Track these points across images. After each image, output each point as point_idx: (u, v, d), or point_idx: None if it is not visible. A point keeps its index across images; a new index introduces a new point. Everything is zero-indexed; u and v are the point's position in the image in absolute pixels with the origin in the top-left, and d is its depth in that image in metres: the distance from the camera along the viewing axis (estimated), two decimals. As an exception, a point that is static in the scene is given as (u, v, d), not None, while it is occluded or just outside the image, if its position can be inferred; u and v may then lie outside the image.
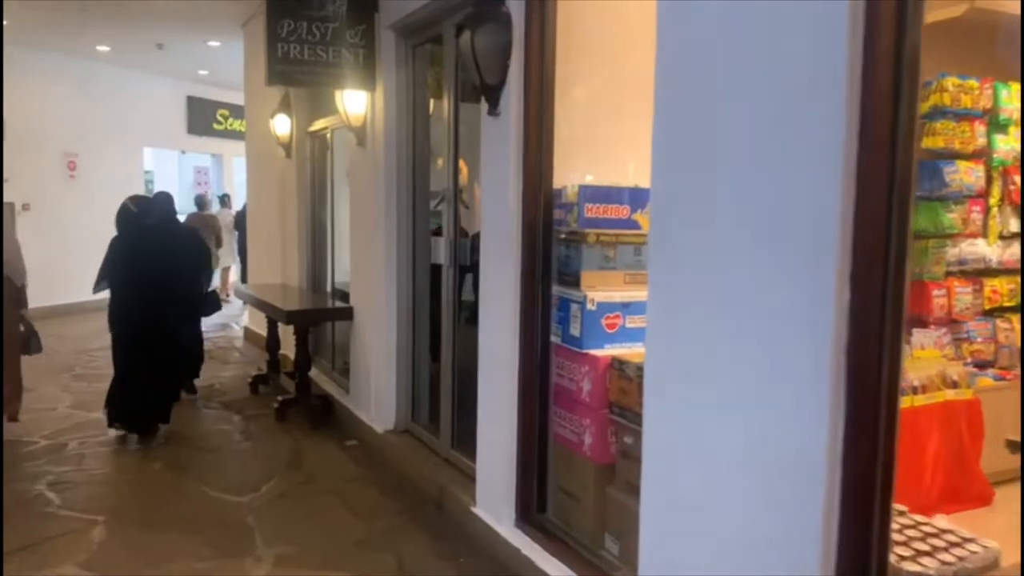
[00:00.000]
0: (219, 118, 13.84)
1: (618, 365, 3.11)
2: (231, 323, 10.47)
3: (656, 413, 2.49)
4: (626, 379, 3.07)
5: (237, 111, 13.98)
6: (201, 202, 12.07)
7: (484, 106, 3.49)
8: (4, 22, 9.00)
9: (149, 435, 5.27)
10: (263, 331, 8.58)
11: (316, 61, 4.79)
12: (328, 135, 6.66)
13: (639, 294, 3.26)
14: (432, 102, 4.95)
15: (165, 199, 5.96)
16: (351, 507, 4.16)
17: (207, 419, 5.93)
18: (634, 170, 3.54)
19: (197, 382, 6.66)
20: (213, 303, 6.31)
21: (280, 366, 6.84)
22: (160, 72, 12.20)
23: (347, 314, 5.61)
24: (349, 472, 4.74)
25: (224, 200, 13.11)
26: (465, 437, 4.33)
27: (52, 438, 5.32)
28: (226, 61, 10.96)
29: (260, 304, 6.44)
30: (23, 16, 8.88)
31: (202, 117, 13.49)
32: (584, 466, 3.29)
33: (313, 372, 6.10)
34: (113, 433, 5.37)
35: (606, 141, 3.60)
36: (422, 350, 5.01)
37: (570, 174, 3.42)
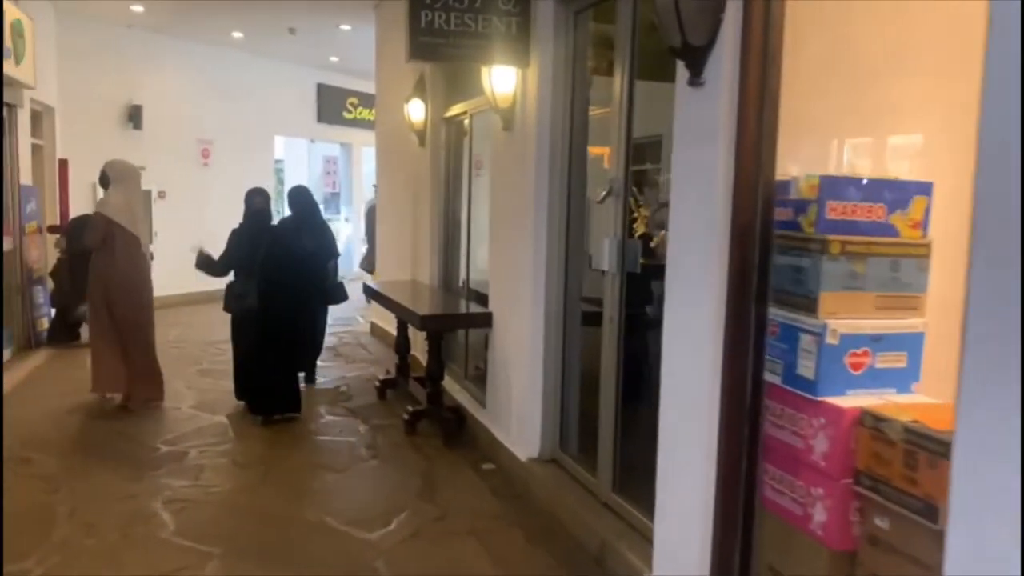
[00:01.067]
0: (348, 106, 13.67)
1: (872, 421, 2.29)
2: (357, 316, 10.17)
3: (976, 508, 1.67)
4: (884, 442, 2.25)
5: (366, 99, 13.78)
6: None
7: (682, 75, 2.73)
8: (139, 8, 8.98)
9: (271, 419, 5.44)
10: (390, 328, 8.19)
11: (463, 32, 4.16)
12: (466, 120, 6.07)
13: (895, 323, 2.45)
14: (593, 80, 4.23)
15: (303, 191, 6.50)
16: (495, 556, 3.52)
17: (333, 428, 5.47)
18: (873, 154, 2.71)
19: (324, 381, 6.28)
20: (341, 292, 6.74)
21: (409, 369, 6.33)
22: (291, 59, 12.08)
23: (485, 320, 4.99)
24: (488, 506, 4.11)
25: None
26: (631, 479, 3.61)
27: (173, 444, 4.99)
28: (357, 46, 10.64)
29: (390, 304, 5.93)
30: (161, 4, 8.81)
31: (332, 105, 13.33)
32: (811, 548, 2.49)
33: (444, 380, 5.54)
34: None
35: (837, 116, 2.77)
36: (574, 368, 4.32)
37: (791, 161, 2.62)
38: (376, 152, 9.03)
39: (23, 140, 7.64)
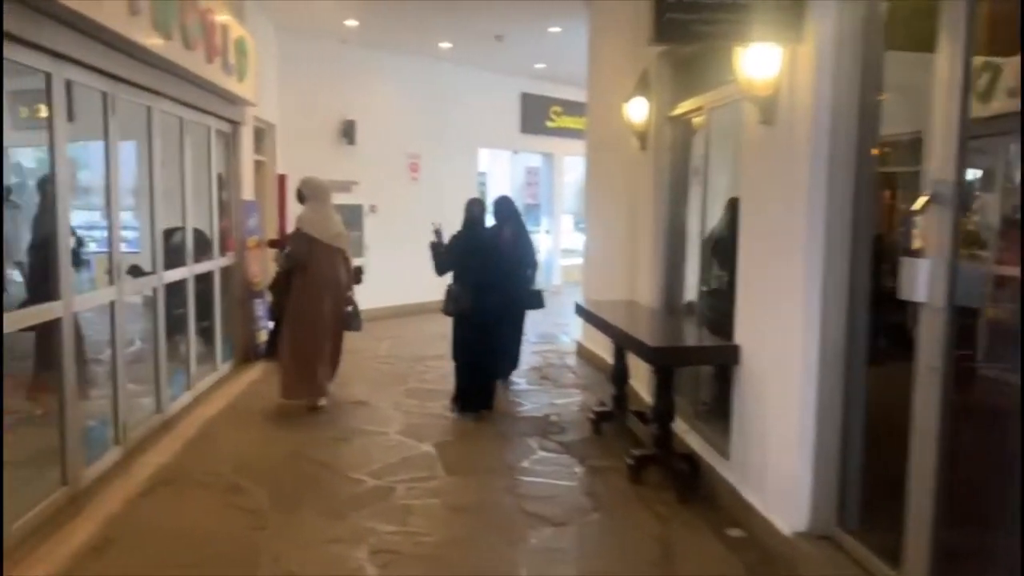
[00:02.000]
0: (552, 115, 13.27)
1: None
2: (559, 334, 9.62)
3: None
4: None
5: (570, 107, 13.33)
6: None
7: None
8: (354, 23, 9.01)
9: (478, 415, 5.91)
10: (598, 349, 7.54)
11: (717, 4, 3.41)
12: (697, 118, 5.28)
13: None
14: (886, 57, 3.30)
15: (508, 201, 6.94)
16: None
17: (546, 467, 4.87)
18: None
19: (532, 407, 5.74)
20: (537, 299, 7.08)
21: (627, 401, 5.62)
22: (496, 68, 11.85)
23: (730, 355, 4.16)
24: (745, 593, 3.30)
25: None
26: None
27: (379, 477, 4.61)
28: (565, 49, 10.16)
29: (608, 328, 5.25)
30: (372, 17, 8.80)
31: (535, 115, 12.99)
32: None
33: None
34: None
35: None
36: (857, 420, 3.40)
37: None
38: (586, 159, 8.44)
39: (246, 157, 7.84)
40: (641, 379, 5.83)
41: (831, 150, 3.35)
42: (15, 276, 5.49)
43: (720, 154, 5.01)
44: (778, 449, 3.67)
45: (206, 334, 6.93)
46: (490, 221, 6.67)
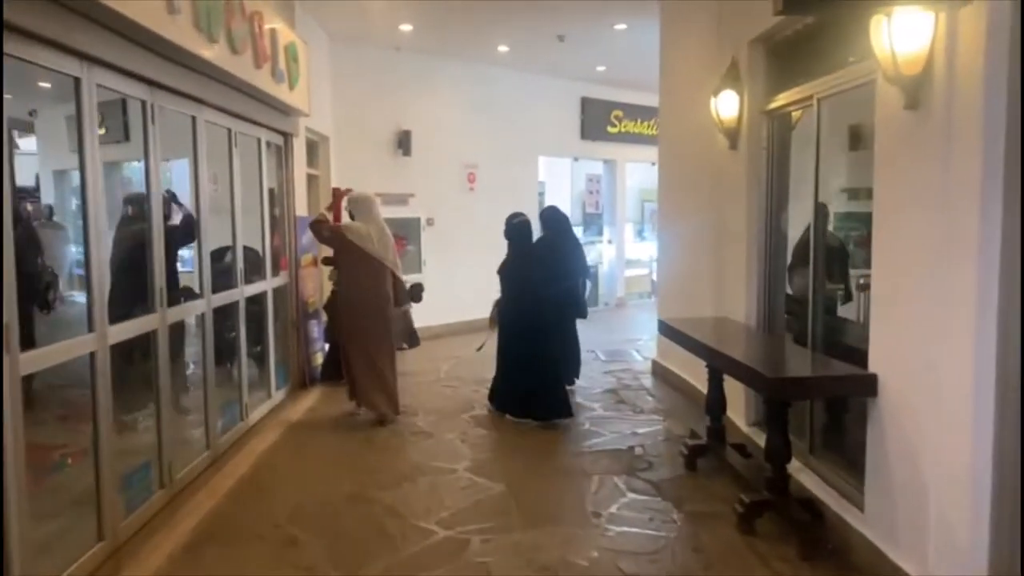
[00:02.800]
0: (613, 120, 12.66)
1: None
2: (631, 350, 8.98)
3: None
4: None
5: (631, 111, 12.72)
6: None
7: None
8: (408, 27, 8.58)
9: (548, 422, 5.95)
10: (679, 370, 6.89)
11: (858, -37, 2.79)
12: (798, 112, 4.65)
13: None
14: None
15: (553, 212, 7.19)
16: None
17: (638, 511, 4.25)
18: None
19: (613, 437, 5.13)
20: (584, 308, 7.14)
21: (724, 433, 4.97)
22: (556, 72, 11.31)
23: (864, 386, 3.50)
24: None
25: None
26: None
27: (450, 526, 4.06)
28: (628, 49, 9.59)
29: (704, 352, 4.62)
30: (427, 20, 8.35)
31: (596, 120, 12.39)
32: None
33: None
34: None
35: None
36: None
37: None
38: (659, 163, 7.81)
39: (299, 170, 7.43)
40: (736, 407, 5.18)
41: (1009, 139, 2.70)
42: (74, 296, 5.19)
43: (831, 150, 4.35)
44: (940, 499, 3.00)
45: (259, 359, 6.52)
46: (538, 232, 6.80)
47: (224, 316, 5.70)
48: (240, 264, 5.77)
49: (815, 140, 4.32)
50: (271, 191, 7.11)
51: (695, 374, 6.36)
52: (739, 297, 5.35)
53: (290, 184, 7.19)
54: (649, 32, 8.00)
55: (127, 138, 5.35)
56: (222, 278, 5.62)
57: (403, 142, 9.73)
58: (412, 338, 6.85)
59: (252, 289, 6.04)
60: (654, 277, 10.85)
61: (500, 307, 6.30)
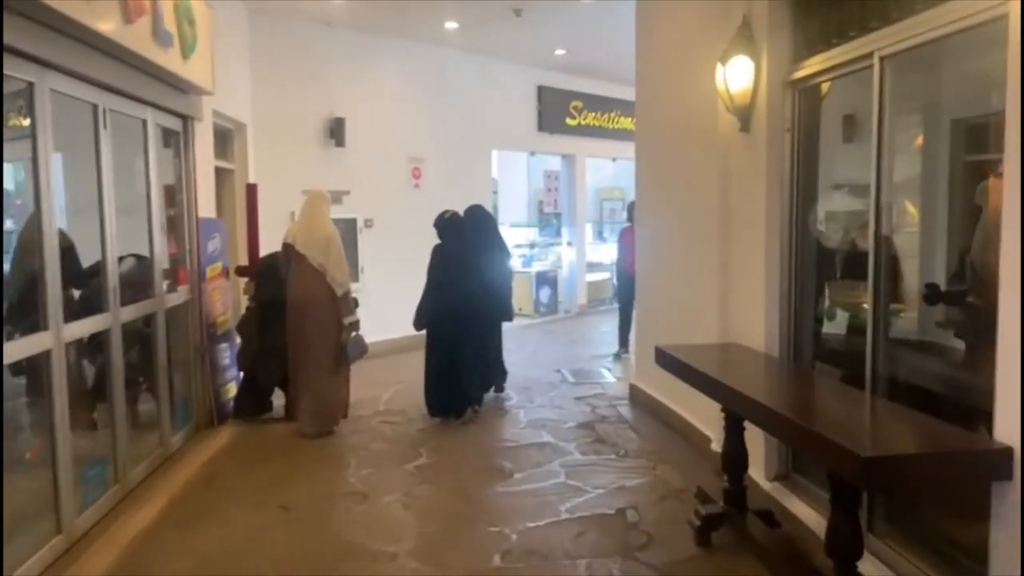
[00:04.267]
0: (572, 111, 11.55)
1: None
2: (598, 369, 7.85)
3: None
4: None
5: (591, 102, 11.66)
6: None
7: None
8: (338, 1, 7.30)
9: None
10: (662, 395, 5.78)
11: None
12: (828, 82, 3.55)
13: None
14: None
15: (480, 211, 6.84)
16: None
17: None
18: None
19: (598, 494, 3.95)
20: (509, 311, 6.91)
21: (745, 496, 3.85)
22: (511, 57, 10.15)
23: (995, 465, 2.37)
24: None
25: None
26: None
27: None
28: (592, 29, 8.48)
29: (729, 396, 3.48)
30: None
31: (554, 111, 11.26)
32: None
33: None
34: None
35: None
36: None
37: None
38: (638, 153, 6.68)
39: (203, 162, 6.08)
40: (752, 456, 4.06)
41: None
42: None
43: (903, 126, 3.26)
44: None
45: (147, 397, 5.18)
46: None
47: (94, 348, 4.42)
48: (113, 281, 4.43)
49: (875, 116, 3.21)
50: (168, 188, 5.78)
51: (684, 402, 5.30)
52: (753, 318, 4.23)
53: (191, 178, 5.84)
54: (618, 7, 6.89)
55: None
56: (94, 299, 4.34)
57: (336, 131, 8.41)
58: (352, 350, 5.84)
59: (129, 313, 4.69)
60: (615, 282, 9.75)
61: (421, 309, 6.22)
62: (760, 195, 4.14)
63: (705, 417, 5.02)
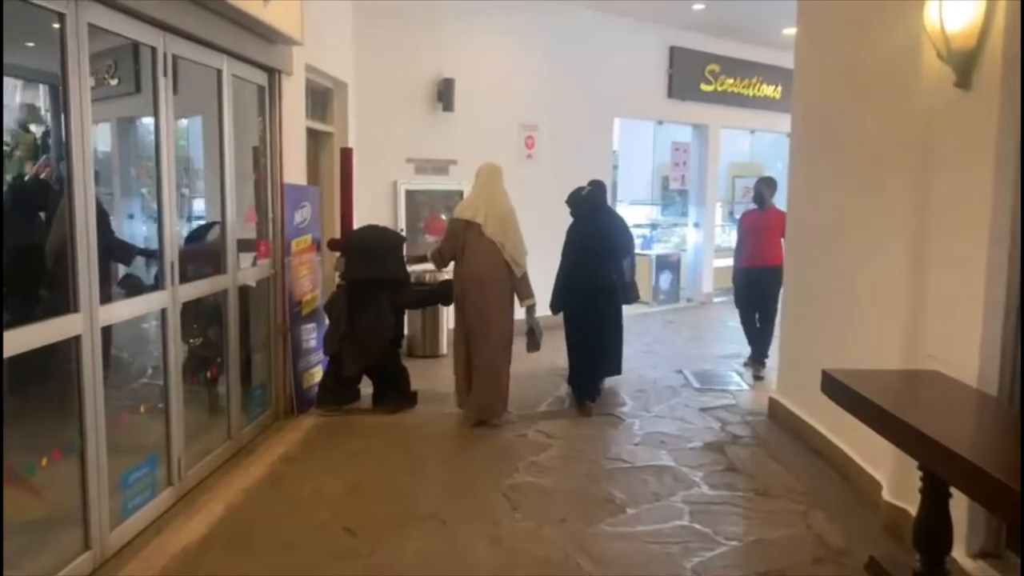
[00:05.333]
0: (708, 76, 10.35)
1: None
2: (727, 374, 6.80)
3: None
4: None
5: (731, 67, 10.41)
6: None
7: None
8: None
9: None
10: (812, 418, 4.72)
11: None
12: None
13: None
14: None
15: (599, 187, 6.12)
16: None
17: None
18: None
19: (733, 546, 3.04)
20: (631, 293, 6.20)
21: (944, 554, 2.82)
22: (640, 14, 9.08)
23: None
24: None
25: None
26: None
27: None
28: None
29: (944, 460, 2.46)
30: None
31: (687, 76, 10.11)
32: None
33: None
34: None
35: None
36: None
37: None
38: (793, 120, 5.56)
39: (293, 122, 5.45)
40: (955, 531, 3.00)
41: None
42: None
43: None
44: None
45: (216, 383, 4.65)
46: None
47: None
48: (170, 255, 3.84)
49: None
50: (255, 150, 5.22)
51: (842, 430, 4.26)
52: (963, 340, 3.14)
53: (276, 139, 5.22)
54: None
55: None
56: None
57: (444, 94, 7.66)
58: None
59: (191, 290, 4.11)
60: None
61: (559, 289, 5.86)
62: (985, 175, 3.03)
63: (871, 453, 3.97)
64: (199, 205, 5.21)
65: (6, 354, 2.65)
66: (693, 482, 4.32)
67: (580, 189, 6.01)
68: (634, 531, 3.73)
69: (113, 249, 4.11)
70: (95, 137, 3.15)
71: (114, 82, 4.18)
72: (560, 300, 5.81)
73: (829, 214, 4.79)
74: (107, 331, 3.27)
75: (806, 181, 5.27)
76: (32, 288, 3.36)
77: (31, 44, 3.14)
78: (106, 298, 3.32)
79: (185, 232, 5.06)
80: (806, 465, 4.61)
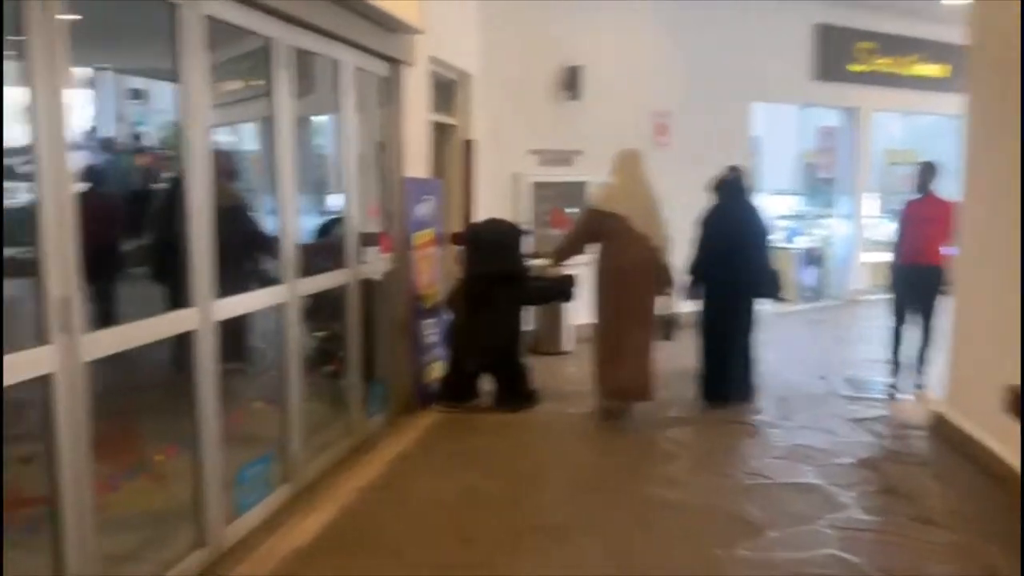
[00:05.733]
0: (858, 55, 9.51)
1: None
2: (880, 380, 6.12)
3: None
4: None
5: (887, 44, 9.50)
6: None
7: None
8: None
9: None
10: (987, 437, 4.08)
11: None
12: None
13: None
14: None
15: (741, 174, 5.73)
16: None
17: None
18: None
19: None
20: (772, 285, 5.64)
21: None
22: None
23: None
24: None
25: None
26: None
27: None
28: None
29: None
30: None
31: (834, 55, 9.33)
32: None
33: None
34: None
35: None
36: None
37: None
38: (968, 103, 4.89)
39: (413, 113, 5.35)
40: None
41: None
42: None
43: None
44: None
45: (334, 380, 4.63)
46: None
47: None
48: (290, 249, 3.80)
49: None
50: (381, 144, 5.17)
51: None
52: None
53: (398, 132, 5.14)
54: None
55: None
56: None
57: (571, 82, 7.39)
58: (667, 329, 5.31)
59: (310, 284, 4.07)
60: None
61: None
62: None
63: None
64: (336, 200, 5.23)
65: (131, 345, 2.68)
66: (843, 504, 3.84)
67: (730, 171, 5.66)
68: (773, 558, 3.33)
69: (255, 242, 4.20)
70: (240, 136, 3.16)
71: (258, 82, 4.23)
72: (694, 293, 5.52)
73: (1018, 204, 4.13)
74: (241, 321, 3.31)
75: (988, 167, 4.60)
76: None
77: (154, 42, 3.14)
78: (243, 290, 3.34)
79: (313, 227, 5.12)
80: (977, 489, 4.03)
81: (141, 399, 3.88)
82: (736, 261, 5.33)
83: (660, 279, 5.11)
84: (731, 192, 5.55)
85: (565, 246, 5.35)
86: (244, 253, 3.78)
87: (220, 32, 3.10)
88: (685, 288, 5.51)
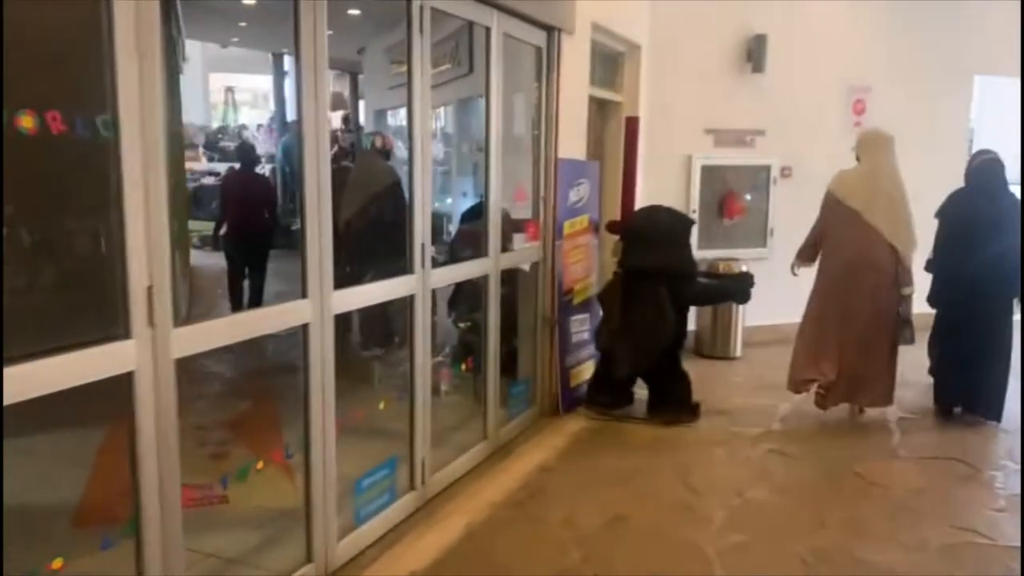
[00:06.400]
0: (1114, 15, 7.86)
1: None
2: None
3: None
4: None
5: None
6: None
7: None
8: None
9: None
10: None
11: None
12: None
13: None
14: None
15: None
16: None
17: None
18: None
19: None
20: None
21: None
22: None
23: None
24: None
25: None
26: None
27: None
28: None
29: None
30: None
31: (1082, 16, 7.76)
32: None
33: None
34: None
35: None
36: None
37: None
38: None
39: (570, 87, 4.83)
40: None
41: None
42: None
43: None
44: None
45: (474, 377, 4.26)
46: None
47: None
48: (421, 237, 3.43)
49: None
50: (534, 121, 4.73)
51: None
52: None
53: (552, 108, 4.65)
54: None
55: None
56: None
57: (754, 52, 6.55)
58: (905, 332, 4.75)
59: (443, 275, 3.70)
60: None
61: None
62: None
63: None
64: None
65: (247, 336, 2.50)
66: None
67: (981, 154, 4.99)
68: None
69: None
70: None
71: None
72: (936, 295, 4.97)
73: None
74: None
75: None
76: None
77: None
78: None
79: (459, 211, 4.77)
80: None
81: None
82: (985, 256, 4.68)
83: (900, 278, 4.63)
84: (983, 179, 4.84)
85: (808, 241, 4.92)
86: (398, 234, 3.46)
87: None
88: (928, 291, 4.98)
